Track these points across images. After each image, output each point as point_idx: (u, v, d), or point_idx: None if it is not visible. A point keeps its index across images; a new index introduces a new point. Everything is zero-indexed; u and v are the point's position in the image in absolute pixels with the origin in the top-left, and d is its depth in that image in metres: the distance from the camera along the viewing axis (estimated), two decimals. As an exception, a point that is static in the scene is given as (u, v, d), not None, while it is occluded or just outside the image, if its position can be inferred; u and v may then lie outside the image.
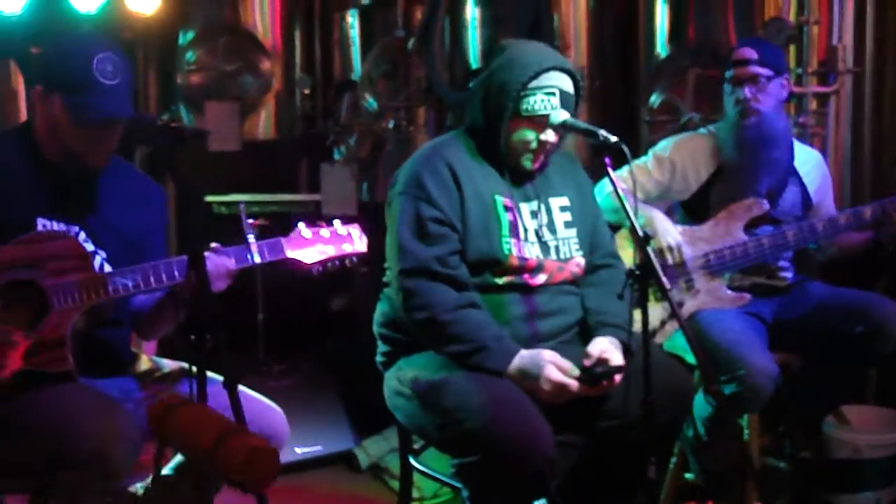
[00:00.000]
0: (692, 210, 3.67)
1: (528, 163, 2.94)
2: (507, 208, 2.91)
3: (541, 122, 2.89)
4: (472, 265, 2.87)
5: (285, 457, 4.28)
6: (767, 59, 3.51)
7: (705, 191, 3.65)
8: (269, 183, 5.50)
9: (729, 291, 3.58)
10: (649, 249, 2.63)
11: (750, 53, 3.51)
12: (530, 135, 2.90)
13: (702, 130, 3.76)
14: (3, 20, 4.85)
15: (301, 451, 4.49)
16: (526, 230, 2.93)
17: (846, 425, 3.84)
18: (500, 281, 2.88)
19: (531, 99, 2.87)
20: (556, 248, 2.96)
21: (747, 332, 3.43)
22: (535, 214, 2.96)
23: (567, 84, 2.91)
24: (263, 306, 5.04)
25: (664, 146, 3.71)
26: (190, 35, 5.47)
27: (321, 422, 4.63)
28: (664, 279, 2.60)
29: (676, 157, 3.66)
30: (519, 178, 2.98)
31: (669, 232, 3.56)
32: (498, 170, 2.96)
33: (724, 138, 3.62)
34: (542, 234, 2.95)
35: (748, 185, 3.58)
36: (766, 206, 3.57)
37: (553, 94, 2.87)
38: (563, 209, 3.02)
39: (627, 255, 3.41)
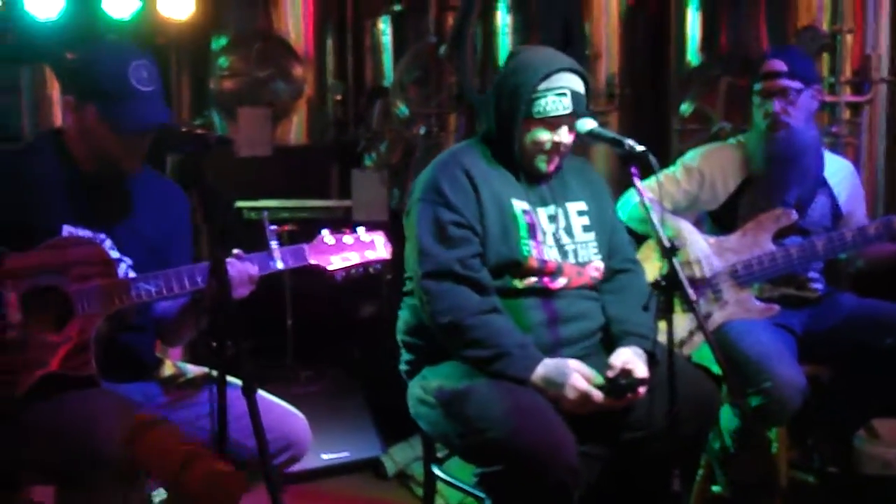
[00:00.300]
0: (720, 220, 3.64)
1: (542, 164, 2.94)
2: (524, 212, 2.91)
3: (553, 124, 2.89)
4: (493, 269, 2.87)
5: (311, 463, 4.36)
6: (797, 71, 3.47)
7: (733, 201, 3.61)
8: (299, 189, 5.52)
9: (758, 302, 3.54)
10: (675, 261, 2.60)
11: (779, 65, 3.47)
12: (544, 136, 2.90)
13: (731, 141, 3.73)
14: (39, 25, 4.91)
15: (327, 457, 4.49)
16: (544, 233, 2.92)
17: (877, 440, 3.79)
18: (521, 284, 2.87)
19: (542, 101, 2.86)
20: (575, 251, 2.95)
21: (776, 344, 3.39)
22: (552, 218, 2.95)
23: (578, 85, 2.90)
24: (292, 312, 5.05)
25: (693, 156, 3.69)
26: (223, 41, 5.51)
27: (348, 428, 4.63)
28: (690, 291, 2.58)
29: (705, 167, 3.63)
30: (535, 183, 2.98)
31: (697, 243, 3.53)
32: (514, 175, 2.96)
33: (752, 149, 3.59)
34: (560, 237, 2.94)
35: (776, 196, 3.55)
36: (794, 216, 3.54)
37: (564, 94, 2.86)
38: (580, 213, 3.01)
39: (654, 265, 3.39)
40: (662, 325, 3.31)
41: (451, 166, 2.92)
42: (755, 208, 3.57)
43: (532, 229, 2.90)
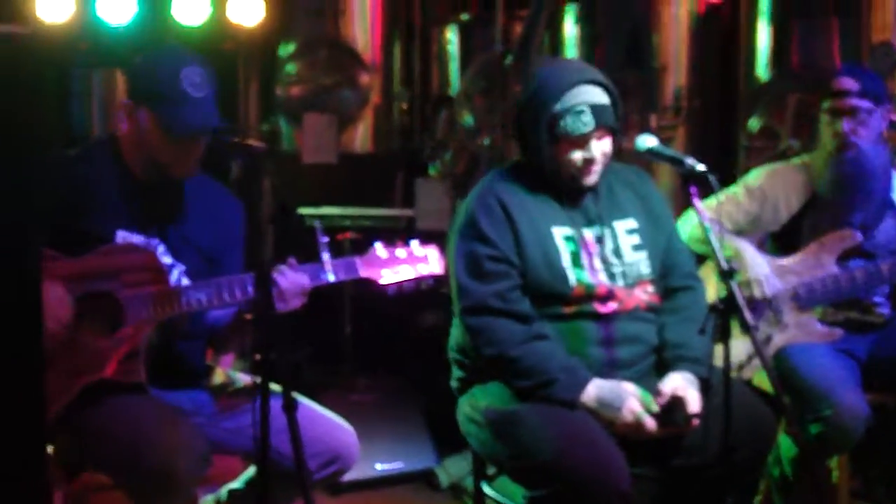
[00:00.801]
0: (782, 242, 3.55)
1: (580, 179, 2.84)
2: (567, 238, 2.84)
3: (580, 142, 2.80)
4: (538, 297, 2.81)
5: (365, 473, 4.35)
6: (868, 90, 3.36)
7: (796, 222, 3.51)
8: (363, 196, 5.52)
9: (820, 326, 3.44)
10: (733, 283, 2.54)
11: (850, 84, 3.37)
12: (574, 155, 2.82)
13: (794, 160, 3.63)
14: (111, 31, 4.99)
15: (381, 467, 4.46)
16: (591, 257, 2.85)
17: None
18: (570, 311, 2.82)
19: (562, 122, 2.78)
20: (623, 273, 2.87)
21: (837, 370, 3.30)
22: (599, 240, 2.87)
23: (597, 95, 2.81)
24: (350, 320, 5.05)
25: (755, 176, 3.60)
26: (291, 48, 5.53)
27: (403, 438, 4.60)
28: (748, 315, 2.51)
29: (767, 187, 3.53)
30: (580, 202, 2.89)
31: (758, 264, 3.44)
32: (556, 197, 2.88)
33: (818, 170, 3.49)
34: (608, 259, 2.86)
35: (841, 218, 3.45)
36: (858, 237, 3.43)
37: (581, 111, 2.78)
38: (629, 232, 2.92)
39: (714, 286, 3.31)
40: (720, 347, 3.26)
41: (485, 198, 2.86)
42: (818, 230, 3.47)
43: (577, 257, 2.83)
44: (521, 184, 2.89)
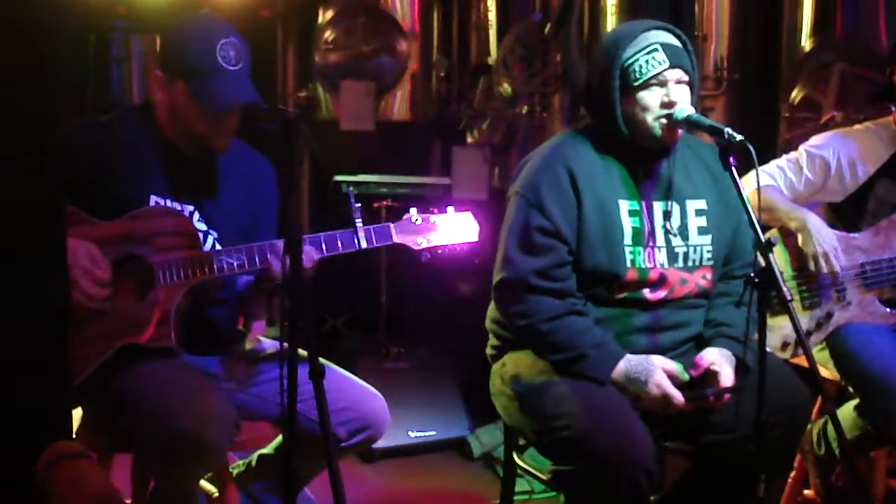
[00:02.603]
0: (844, 213, 3.42)
1: (659, 130, 2.72)
2: (632, 213, 2.77)
3: (657, 83, 2.70)
4: (589, 275, 2.75)
5: (398, 440, 4.36)
6: None
7: (864, 193, 3.38)
8: (401, 164, 5.50)
9: (882, 307, 3.35)
10: (771, 257, 2.47)
11: None
12: (653, 99, 2.71)
13: (858, 127, 3.50)
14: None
15: (414, 435, 4.48)
16: (654, 234, 2.78)
17: None
18: (618, 295, 2.77)
19: (635, 66, 2.70)
20: (685, 254, 2.80)
21: None
22: (667, 216, 2.79)
23: (668, 38, 2.72)
24: (386, 288, 5.05)
25: (818, 142, 3.44)
26: (329, 14, 5.50)
27: (436, 407, 4.62)
28: (786, 289, 2.45)
29: (831, 154, 3.38)
30: (652, 173, 2.80)
31: (827, 238, 3.31)
32: (629, 167, 2.79)
33: None
34: (672, 238, 2.79)
35: None
36: None
37: (655, 49, 2.69)
38: (698, 213, 2.84)
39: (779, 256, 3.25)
40: (772, 321, 3.18)
41: (554, 164, 2.77)
42: (888, 203, 3.35)
43: (638, 232, 2.76)
44: (592, 148, 2.80)
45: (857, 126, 3.51)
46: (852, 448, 3.15)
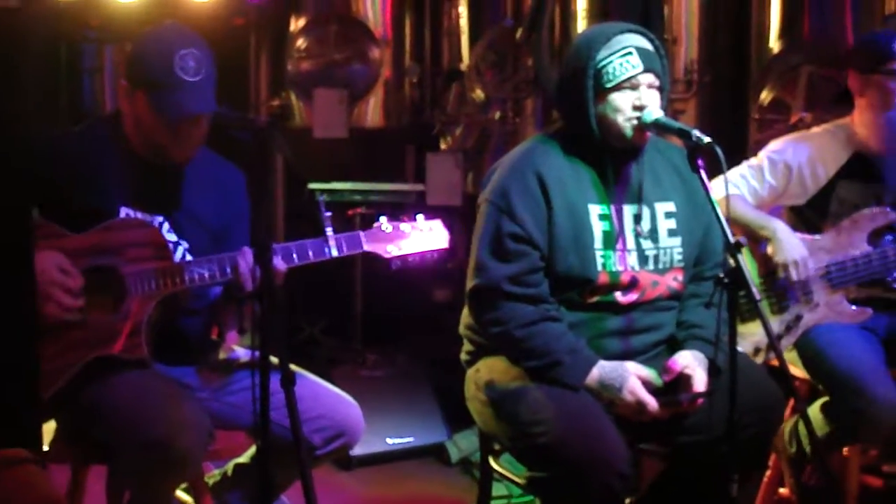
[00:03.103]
0: (806, 216, 3.47)
1: (630, 131, 2.73)
2: (602, 217, 2.78)
3: (630, 86, 2.72)
4: (561, 280, 2.76)
5: (376, 447, 4.36)
6: None
7: (826, 194, 3.43)
8: (374, 171, 5.51)
9: (850, 306, 3.38)
10: (740, 257, 2.50)
11: None
12: (625, 101, 2.73)
13: (816, 129, 3.56)
14: (122, 7, 4.98)
15: (392, 441, 4.49)
16: (625, 237, 2.79)
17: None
18: (589, 300, 2.78)
19: (608, 68, 2.71)
20: (656, 257, 2.82)
21: (867, 356, 3.22)
22: (637, 219, 2.81)
23: (642, 42, 2.74)
24: (362, 296, 5.06)
25: (777, 147, 3.49)
26: (301, 22, 5.50)
27: (414, 413, 4.62)
28: (754, 290, 2.47)
29: (792, 158, 3.43)
30: (622, 175, 2.81)
31: (795, 246, 3.35)
32: (598, 170, 2.80)
33: (866, 130, 3.38)
34: (642, 241, 2.81)
35: (875, 190, 3.38)
36: (892, 215, 3.37)
37: (629, 52, 2.71)
38: (668, 215, 2.85)
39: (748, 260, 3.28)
40: (744, 328, 3.22)
41: (524, 170, 2.78)
42: (848, 204, 3.40)
43: (609, 237, 2.77)
44: (561, 154, 2.81)
45: (815, 129, 3.56)
46: (822, 446, 3.18)
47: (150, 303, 2.71)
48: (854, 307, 3.38)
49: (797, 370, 3.33)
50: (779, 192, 3.46)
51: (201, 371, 2.90)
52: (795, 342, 3.36)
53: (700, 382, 2.70)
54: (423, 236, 2.93)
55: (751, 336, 3.31)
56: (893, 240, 3.39)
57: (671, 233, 2.85)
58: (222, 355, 3.00)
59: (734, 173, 3.41)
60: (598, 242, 2.76)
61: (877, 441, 3.24)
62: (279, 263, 2.74)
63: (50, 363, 2.64)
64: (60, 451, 2.77)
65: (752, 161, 3.50)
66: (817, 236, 3.42)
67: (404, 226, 2.93)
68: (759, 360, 3.33)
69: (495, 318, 2.76)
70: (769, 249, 3.36)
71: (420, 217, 2.97)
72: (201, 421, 2.62)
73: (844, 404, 3.13)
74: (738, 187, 3.41)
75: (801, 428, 3.30)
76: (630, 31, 2.77)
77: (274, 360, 2.38)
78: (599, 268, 2.76)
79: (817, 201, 3.45)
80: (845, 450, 3.35)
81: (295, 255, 2.81)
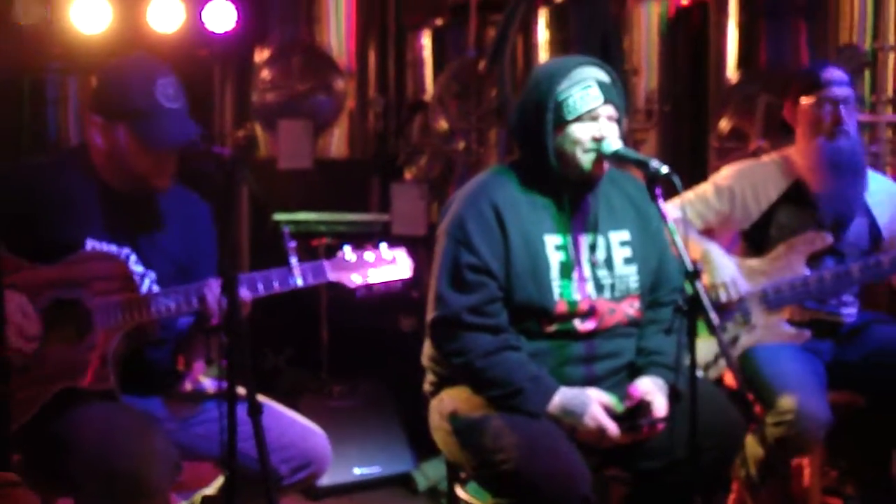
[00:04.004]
0: (752, 240, 3.57)
1: (589, 163, 2.77)
2: (558, 247, 2.81)
3: (590, 118, 2.76)
4: (519, 309, 2.79)
5: (343, 477, 4.36)
6: (850, 81, 3.40)
7: (767, 220, 3.53)
8: (340, 201, 5.52)
9: (788, 327, 3.46)
10: (698, 284, 2.55)
11: (838, 74, 3.38)
12: (584, 133, 2.76)
13: (764, 158, 3.65)
14: (85, 38, 4.98)
15: (359, 471, 4.48)
16: (581, 266, 2.82)
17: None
18: (549, 328, 2.81)
19: (570, 100, 2.75)
20: (612, 285, 2.84)
21: (801, 372, 3.31)
22: (593, 248, 2.84)
23: (601, 74, 2.79)
24: (328, 325, 5.06)
25: (725, 174, 3.60)
26: (266, 54, 5.53)
27: (380, 443, 4.62)
28: (713, 315, 2.52)
29: (736, 185, 3.54)
30: (579, 206, 2.84)
31: (726, 267, 3.45)
32: (555, 200, 2.84)
33: (802, 160, 3.48)
34: (598, 270, 2.84)
35: (813, 215, 3.47)
36: (829, 239, 3.45)
37: (589, 85, 2.76)
38: (623, 244, 2.89)
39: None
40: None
41: (480, 201, 2.80)
42: (788, 229, 3.49)
43: (566, 267, 2.80)
44: (518, 185, 2.84)
45: (763, 157, 3.66)
46: (766, 466, 3.25)
47: (116, 335, 2.71)
48: (792, 328, 3.45)
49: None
50: (724, 215, 3.56)
51: (168, 402, 2.91)
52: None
53: (660, 408, 2.73)
54: (387, 265, 2.95)
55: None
56: (833, 264, 3.47)
57: (627, 261, 2.88)
58: (189, 386, 3.00)
59: (683, 198, 3.50)
60: (554, 272, 2.80)
61: (804, 452, 3.33)
62: (245, 294, 2.75)
63: (15, 397, 2.64)
64: (27, 485, 2.76)
65: (701, 186, 3.60)
66: (756, 260, 3.51)
67: (368, 255, 2.95)
68: (711, 375, 3.41)
69: (456, 348, 2.79)
70: (703, 270, 3.44)
71: (383, 246, 2.99)
72: (168, 452, 2.62)
73: (774, 416, 3.20)
74: (686, 211, 3.49)
75: (749, 451, 3.35)
76: (588, 64, 2.82)
77: (241, 390, 2.39)
78: (557, 297, 2.79)
79: (760, 226, 3.55)
80: (806, 473, 3.40)
81: (260, 286, 2.82)
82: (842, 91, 3.38)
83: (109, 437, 2.58)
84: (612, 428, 2.68)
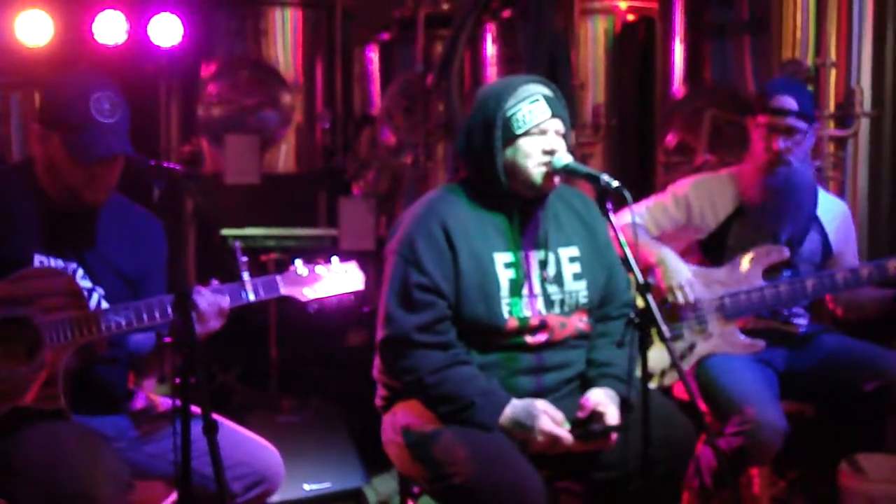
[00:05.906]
0: (709, 250, 3.62)
1: (540, 178, 2.79)
2: (508, 265, 2.83)
3: (540, 132, 2.79)
4: (469, 327, 2.81)
5: (293, 493, 4.32)
6: (805, 111, 3.43)
7: (723, 231, 3.58)
8: (287, 216, 5.51)
9: (743, 337, 3.51)
10: (649, 297, 2.57)
11: (790, 104, 3.41)
12: (534, 147, 2.79)
13: (722, 172, 3.70)
14: (29, 53, 4.92)
15: (309, 487, 4.44)
16: (531, 283, 2.85)
17: (862, 475, 3.74)
18: (500, 342, 2.83)
19: (517, 116, 2.78)
20: (562, 301, 2.87)
21: (757, 383, 3.37)
22: (543, 265, 2.87)
23: (546, 90, 2.83)
24: (276, 341, 5.03)
25: (683, 184, 3.66)
26: (212, 68, 5.49)
27: (330, 459, 4.58)
28: (665, 328, 2.55)
29: (693, 196, 3.60)
30: (529, 222, 2.87)
31: (680, 271, 3.50)
32: (506, 216, 2.86)
33: (747, 181, 3.55)
34: (548, 286, 2.86)
35: (768, 231, 3.52)
36: (786, 253, 3.51)
37: (536, 100, 2.79)
38: (572, 260, 2.91)
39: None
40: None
41: (428, 220, 2.82)
42: (745, 240, 3.55)
43: (515, 285, 2.82)
44: (467, 203, 2.86)
45: (723, 171, 3.72)
46: (720, 475, 3.29)
47: (65, 352, 2.67)
48: (747, 338, 3.50)
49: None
50: (680, 224, 3.61)
51: (119, 420, 2.87)
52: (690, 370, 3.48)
53: (612, 418, 2.75)
54: (339, 278, 2.95)
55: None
56: (790, 276, 3.53)
57: (576, 276, 2.91)
58: (140, 404, 2.96)
59: (641, 205, 3.56)
60: (503, 290, 2.81)
61: (762, 462, 3.38)
62: (222, 301, 2.75)
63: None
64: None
65: (659, 196, 3.66)
66: (713, 269, 3.56)
67: (320, 268, 2.94)
68: (666, 382, 3.45)
69: (406, 366, 2.79)
70: (657, 273, 3.49)
71: (335, 259, 2.98)
72: (119, 471, 2.59)
73: (731, 427, 3.24)
74: (643, 217, 3.54)
75: (703, 462, 3.38)
76: (534, 81, 2.85)
77: (194, 408, 2.37)
78: (506, 315, 2.81)
79: (717, 237, 3.61)
80: (755, 482, 3.44)
81: None
82: (788, 122, 3.42)
83: (57, 456, 2.54)
84: (565, 435, 2.70)
